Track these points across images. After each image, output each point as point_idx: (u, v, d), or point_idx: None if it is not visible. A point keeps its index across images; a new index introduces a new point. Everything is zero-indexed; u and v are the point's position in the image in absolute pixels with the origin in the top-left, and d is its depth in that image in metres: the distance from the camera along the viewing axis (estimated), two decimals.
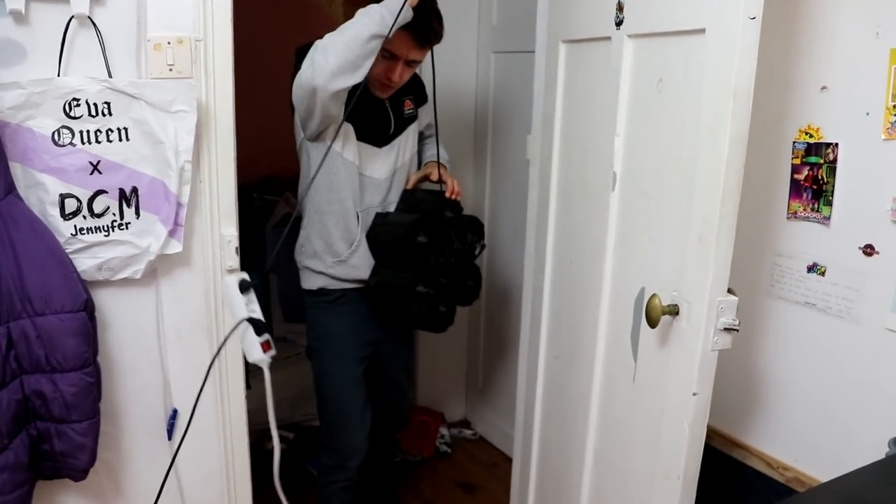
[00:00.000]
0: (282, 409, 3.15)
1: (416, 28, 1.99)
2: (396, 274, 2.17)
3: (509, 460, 3.02)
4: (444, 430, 3.31)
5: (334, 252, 2.17)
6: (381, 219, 2.22)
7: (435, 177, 2.27)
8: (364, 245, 2.20)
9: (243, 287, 1.77)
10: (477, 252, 2.29)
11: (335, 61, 1.85)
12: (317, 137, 2.09)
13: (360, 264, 2.19)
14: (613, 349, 1.80)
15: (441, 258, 2.19)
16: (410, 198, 2.28)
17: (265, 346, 1.79)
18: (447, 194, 2.26)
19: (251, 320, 1.79)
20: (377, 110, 2.18)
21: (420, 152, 2.44)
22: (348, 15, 2.04)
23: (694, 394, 1.46)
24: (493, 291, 3.26)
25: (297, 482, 2.92)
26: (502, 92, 3.07)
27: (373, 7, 1.89)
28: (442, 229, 2.18)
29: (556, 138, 2.07)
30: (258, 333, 1.79)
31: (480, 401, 3.42)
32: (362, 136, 2.14)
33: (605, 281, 1.80)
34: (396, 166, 2.25)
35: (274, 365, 3.38)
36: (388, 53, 2.02)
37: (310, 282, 2.23)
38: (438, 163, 2.32)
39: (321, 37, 2.09)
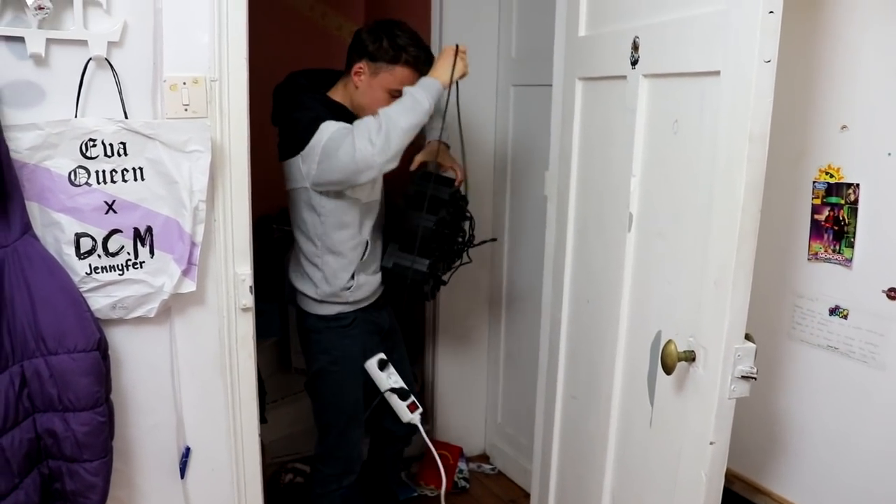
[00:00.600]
0: (298, 443, 3.15)
1: (422, 65, 2.17)
2: (416, 259, 2.30)
3: (528, 496, 2.97)
4: (462, 465, 3.27)
5: (350, 281, 2.26)
6: (399, 209, 2.34)
7: (448, 166, 2.39)
8: (367, 267, 2.31)
9: (381, 365, 2.23)
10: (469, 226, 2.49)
11: (397, 147, 2.01)
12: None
13: (364, 283, 2.31)
14: (630, 392, 1.77)
15: (455, 245, 2.41)
16: (421, 184, 2.35)
17: (412, 408, 2.23)
18: (457, 183, 2.38)
19: (394, 389, 2.18)
20: None
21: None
22: None
23: (711, 443, 1.42)
24: (512, 326, 3.24)
25: None
26: (522, 125, 3.06)
27: (420, 94, 2.04)
28: (457, 219, 2.37)
29: (573, 176, 2.06)
30: (403, 399, 2.19)
31: (499, 435, 3.38)
32: None
33: (622, 322, 1.78)
34: (380, 182, 2.34)
35: (291, 397, 3.40)
36: (396, 93, 2.14)
37: (326, 309, 2.30)
38: (463, 159, 2.44)
39: (300, 70, 2.30)
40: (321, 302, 2.29)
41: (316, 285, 2.27)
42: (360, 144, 1.98)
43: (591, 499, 1.95)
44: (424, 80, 2.10)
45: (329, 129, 2.06)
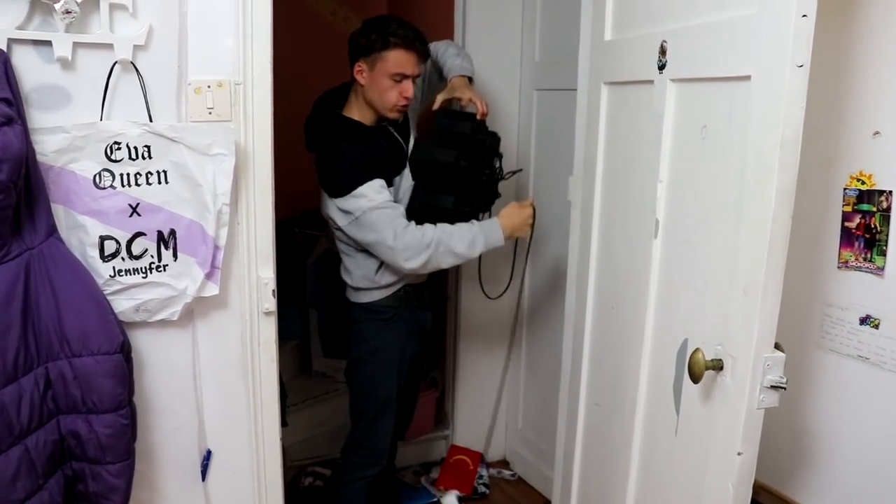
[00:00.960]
0: (319, 446, 3.15)
1: (418, 47, 2.19)
2: (439, 196, 2.29)
3: (549, 503, 2.95)
4: (482, 471, 3.25)
5: (383, 271, 2.32)
6: (421, 145, 2.36)
7: (466, 100, 2.35)
8: None
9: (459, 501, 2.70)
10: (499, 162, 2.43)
11: (428, 270, 2.22)
12: None
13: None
14: (655, 400, 1.74)
15: (481, 179, 2.34)
16: (443, 121, 2.35)
17: None
18: (478, 116, 2.33)
19: None
20: (397, 151, 2.30)
21: (442, 66, 2.50)
22: None
23: (739, 453, 1.39)
24: (534, 332, 3.22)
25: None
26: (545, 129, 3.04)
27: (479, 244, 2.21)
28: (478, 153, 2.32)
29: (598, 181, 2.04)
30: None
31: (520, 441, 3.36)
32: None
33: (647, 330, 1.75)
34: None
35: (312, 401, 3.42)
36: (399, 77, 2.18)
37: (365, 297, 2.37)
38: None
39: (323, 94, 2.37)
40: (358, 289, 2.37)
41: (351, 272, 2.35)
42: (400, 255, 2.15)
43: None
44: (493, 232, 2.23)
45: (370, 200, 2.15)
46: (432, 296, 2.52)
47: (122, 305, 1.64)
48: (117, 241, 1.62)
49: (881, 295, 1.57)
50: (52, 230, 1.56)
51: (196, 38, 1.66)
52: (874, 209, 1.57)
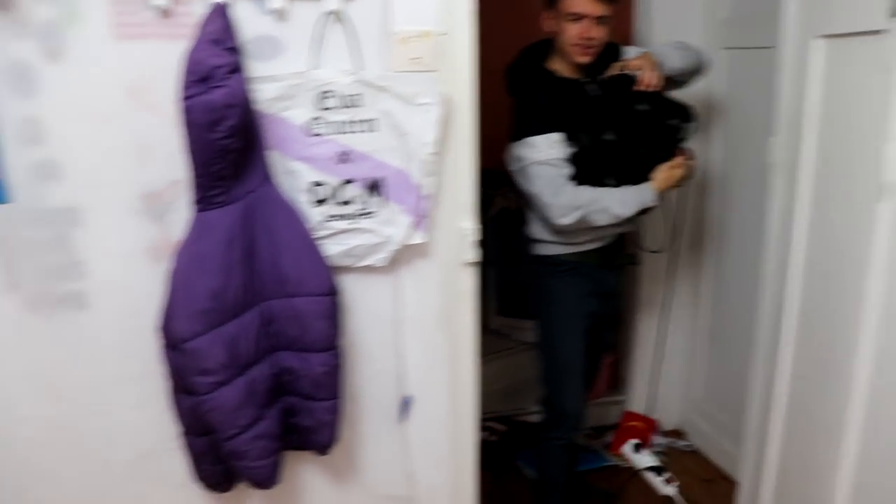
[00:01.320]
0: (494, 402, 3.17)
1: None
2: (588, 165, 2.23)
3: (726, 478, 2.85)
4: (657, 439, 3.17)
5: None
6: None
7: (634, 66, 2.23)
8: None
9: (636, 448, 2.84)
10: (682, 136, 2.27)
11: (585, 225, 2.20)
12: None
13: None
14: (881, 375, 1.60)
15: (636, 153, 2.24)
16: (605, 88, 2.28)
17: (669, 480, 2.74)
18: (640, 86, 2.21)
19: (650, 467, 2.78)
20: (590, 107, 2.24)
21: None
22: None
23: None
24: (719, 299, 3.08)
25: (507, 476, 2.92)
26: (733, 91, 2.87)
27: (635, 200, 2.19)
28: (634, 126, 2.22)
29: (806, 142, 1.90)
30: (659, 474, 2.75)
31: (697, 411, 3.24)
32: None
33: (868, 299, 1.62)
34: None
35: (488, 357, 3.46)
36: (573, 16, 2.16)
37: (546, 249, 2.38)
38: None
39: (529, 45, 2.34)
40: (539, 241, 2.37)
41: (529, 222, 2.37)
42: (555, 212, 2.18)
43: (824, 493, 1.81)
44: (646, 194, 2.20)
45: (539, 153, 2.18)
46: (620, 257, 2.46)
47: (331, 250, 1.68)
48: (327, 188, 1.66)
49: None
50: (268, 175, 1.63)
51: None
52: None
